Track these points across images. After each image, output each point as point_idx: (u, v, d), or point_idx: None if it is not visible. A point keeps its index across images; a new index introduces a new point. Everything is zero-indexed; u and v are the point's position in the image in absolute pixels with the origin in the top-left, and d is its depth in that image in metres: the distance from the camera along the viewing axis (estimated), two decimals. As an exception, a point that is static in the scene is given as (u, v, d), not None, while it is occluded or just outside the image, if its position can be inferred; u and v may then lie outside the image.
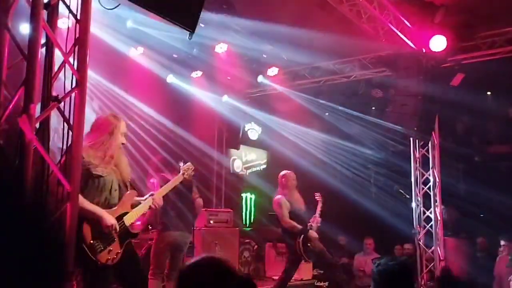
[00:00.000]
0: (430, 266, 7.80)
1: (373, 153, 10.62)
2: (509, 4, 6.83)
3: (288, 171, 6.72)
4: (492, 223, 8.70)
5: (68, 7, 3.08)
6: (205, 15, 5.96)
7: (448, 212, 8.71)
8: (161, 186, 4.74)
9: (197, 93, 9.22)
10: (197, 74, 9.18)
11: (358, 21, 6.86)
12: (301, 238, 6.26)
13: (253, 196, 10.94)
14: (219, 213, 8.24)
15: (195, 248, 6.53)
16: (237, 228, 8.37)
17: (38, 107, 2.90)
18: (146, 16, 3.76)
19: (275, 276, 7.73)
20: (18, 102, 2.81)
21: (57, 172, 2.91)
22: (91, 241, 3.61)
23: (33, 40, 2.82)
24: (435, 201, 7.85)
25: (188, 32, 3.60)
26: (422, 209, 7.94)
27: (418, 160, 8.04)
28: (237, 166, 11.00)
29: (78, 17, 3.08)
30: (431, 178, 7.93)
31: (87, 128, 3.57)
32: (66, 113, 3.04)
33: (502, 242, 7.74)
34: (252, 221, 10.75)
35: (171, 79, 8.92)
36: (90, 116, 4.00)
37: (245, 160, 11.23)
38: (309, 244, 6.32)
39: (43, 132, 2.92)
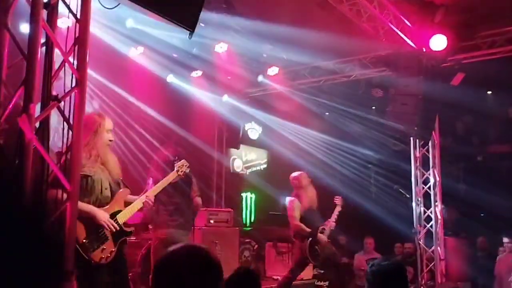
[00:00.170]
0: (430, 266, 7.80)
1: (373, 152, 10.62)
2: (509, 3, 6.83)
3: (299, 172, 6.77)
4: (492, 223, 8.71)
5: (68, 6, 3.08)
6: (205, 14, 5.96)
7: (448, 212, 8.72)
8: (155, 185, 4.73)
9: (197, 92, 9.21)
10: (197, 73, 9.17)
11: (358, 21, 6.87)
12: (309, 241, 6.28)
13: (253, 196, 10.95)
14: (219, 212, 8.23)
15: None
16: (237, 228, 8.36)
17: (38, 107, 2.89)
18: (146, 16, 3.75)
19: (276, 276, 7.74)
20: (18, 101, 2.81)
21: (57, 171, 2.90)
22: (84, 240, 3.61)
23: (33, 39, 2.82)
24: (435, 200, 7.85)
25: (188, 32, 3.60)
26: (422, 208, 7.94)
27: (418, 159, 8.04)
28: (237, 165, 11.01)
29: (78, 16, 3.07)
30: (431, 178, 7.93)
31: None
32: (66, 113, 3.04)
33: (506, 240, 7.71)
34: (252, 221, 10.76)
35: (171, 78, 8.92)
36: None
37: (245, 160, 11.24)
38: (316, 247, 6.32)
39: (43, 131, 2.91)
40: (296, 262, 6.56)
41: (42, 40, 2.93)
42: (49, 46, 3.01)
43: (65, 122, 3.02)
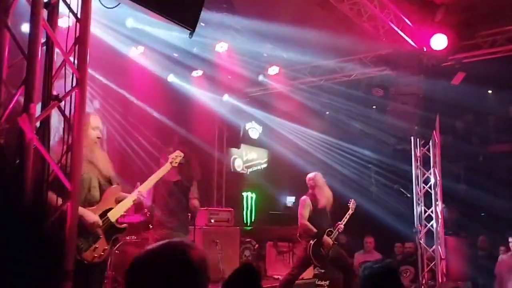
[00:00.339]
0: (431, 265, 7.80)
1: (373, 152, 10.61)
2: (510, 2, 6.82)
3: (314, 173, 6.77)
4: (493, 222, 8.70)
5: (68, 6, 3.08)
6: (205, 14, 5.95)
7: (448, 211, 8.71)
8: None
9: (198, 92, 9.22)
10: (197, 73, 9.18)
11: (358, 20, 6.86)
12: (313, 241, 6.26)
13: (253, 195, 10.96)
14: (220, 212, 8.24)
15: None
16: (238, 227, 8.37)
17: (38, 106, 2.89)
18: (146, 15, 3.75)
19: (276, 275, 7.74)
20: (18, 101, 2.80)
21: (58, 171, 2.90)
22: None
23: (33, 39, 2.81)
24: (436, 200, 7.84)
25: (189, 31, 3.60)
26: (423, 208, 7.94)
27: (419, 159, 8.03)
28: (238, 165, 11.01)
29: (79, 16, 3.07)
30: (432, 177, 7.92)
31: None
32: (67, 113, 3.04)
33: (510, 239, 7.68)
34: (253, 220, 10.76)
35: (171, 78, 8.92)
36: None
37: (246, 159, 11.25)
38: (320, 249, 6.31)
39: (44, 131, 2.91)
40: (299, 262, 6.54)
41: (43, 40, 2.93)
42: (50, 45, 3.01)
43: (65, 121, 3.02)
